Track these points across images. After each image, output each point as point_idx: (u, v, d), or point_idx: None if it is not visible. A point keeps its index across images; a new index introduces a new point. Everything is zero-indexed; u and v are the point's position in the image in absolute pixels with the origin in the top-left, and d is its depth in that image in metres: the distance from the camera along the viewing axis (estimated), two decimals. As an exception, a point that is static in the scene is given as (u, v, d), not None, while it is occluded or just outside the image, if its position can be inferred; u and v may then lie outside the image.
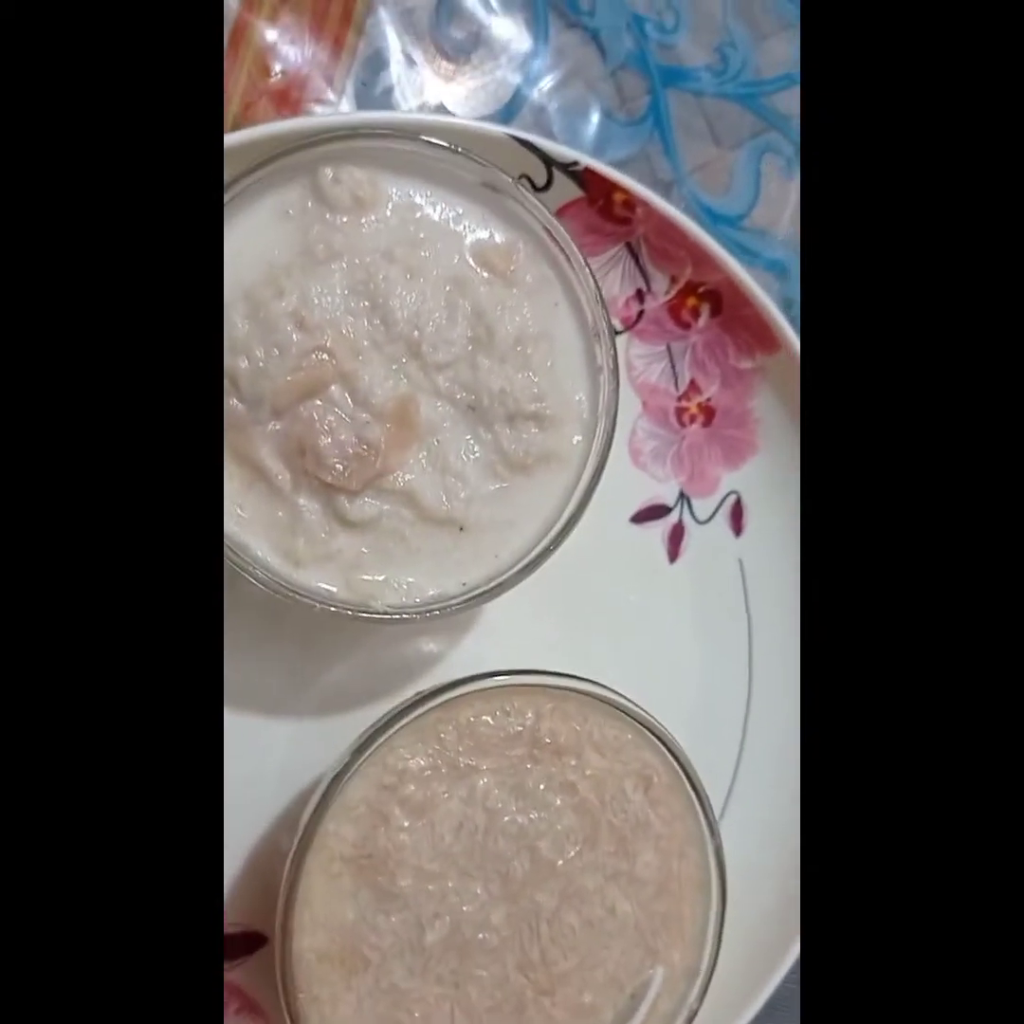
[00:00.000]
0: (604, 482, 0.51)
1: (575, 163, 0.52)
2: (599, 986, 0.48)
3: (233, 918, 0.52)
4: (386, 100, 0.55)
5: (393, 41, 0.54)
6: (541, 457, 0.48)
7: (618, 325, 0.57)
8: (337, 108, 0.54)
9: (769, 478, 0.59)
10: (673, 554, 0.59)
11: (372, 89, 0.55)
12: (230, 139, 0.48)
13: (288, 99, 0.53)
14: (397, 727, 0.45)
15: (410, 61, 0.55)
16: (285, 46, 0.54)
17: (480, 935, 0.46)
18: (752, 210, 0.62)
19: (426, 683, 0.54)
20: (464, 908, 0.46)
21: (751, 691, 0.58)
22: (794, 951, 0.54)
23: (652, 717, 0.48)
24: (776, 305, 0.56)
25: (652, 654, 0.58)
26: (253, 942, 0.52)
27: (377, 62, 0.55)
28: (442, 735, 0.46)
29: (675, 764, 0.49)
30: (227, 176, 0.43)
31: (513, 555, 0.48)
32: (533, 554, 0.47)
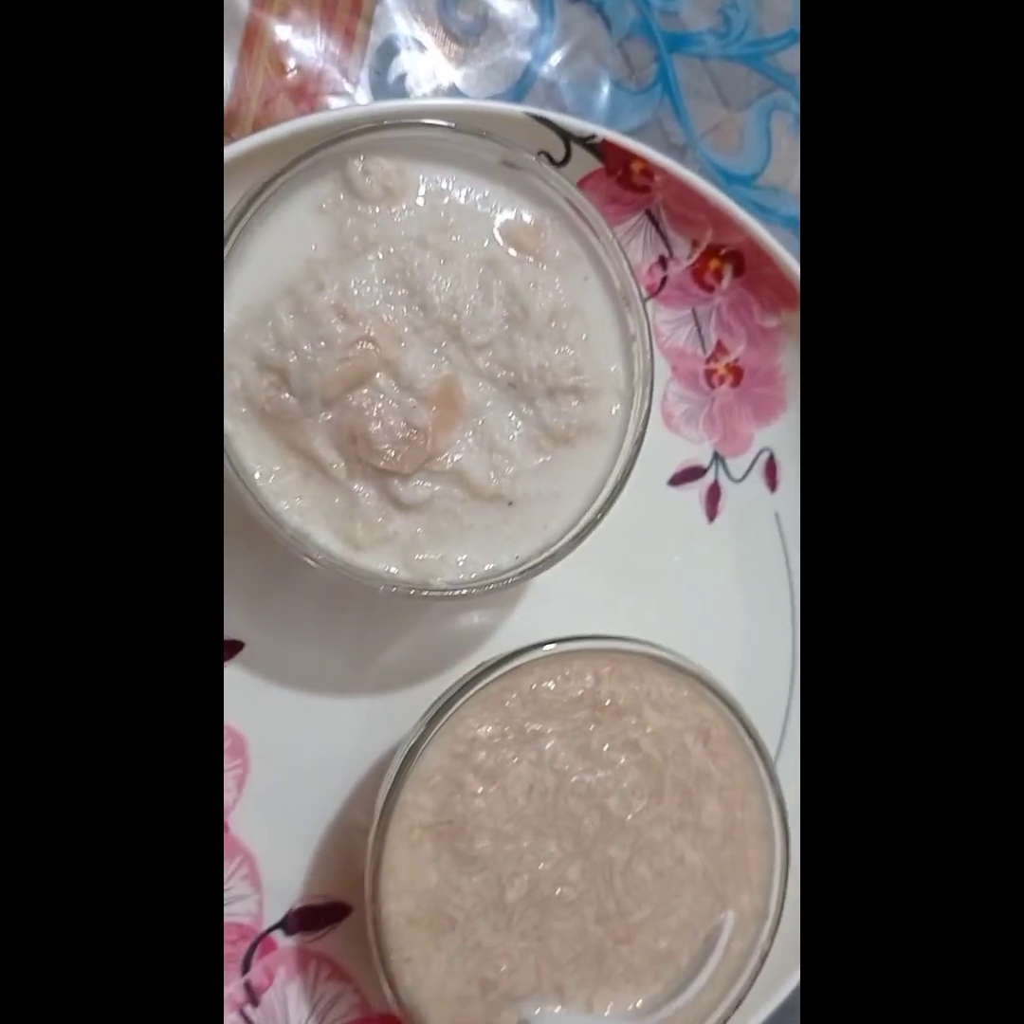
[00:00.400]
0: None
1: (592, 136, 0.53)
2: (674, 932, 0.50)
3: (317, 890, 0.54)
4: (400, 87, 0.56)
5: (402, 28, 0.55)
6: (582, 429, 0.49)
7: (643, 293, 0.58)
8: (353, 99, 0.55)
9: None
10: (711, 514, 0.60)
11: (385, 77, 0.55)
12: (255, 139, 0.49)
13: (305, 93, 0.54)
14: (465, 698, 0.47)
15: (420, 46, 0.56)
16: (298, 41, 0.54)
17: (558, 890, 0.48)
18: (765, 168, 0.62)
19: (482, 656, 0.56)
20: (541, 866, 0.48)
21: (796, 642, 0.60)
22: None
23: (706, 672, 0.50)
24: (796, 261, 0.57)
25: (698, 612, 0.59)
26: (339, 912, 0.54)
27: (388, 50, 0.56)
28: (507, 703, 0.48)
29: (731, 716, 0.51)
30: (260, 175, 0.44)
31: (561, 526, 0.49)
32: (581, 524, 0.49)
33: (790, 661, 0.60)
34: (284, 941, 0.53)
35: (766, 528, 0.61)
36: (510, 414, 0.48)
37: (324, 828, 0.55)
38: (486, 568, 0.48)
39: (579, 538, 0.48)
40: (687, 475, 0.60)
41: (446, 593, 0.47)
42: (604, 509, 0.49)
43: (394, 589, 0.46)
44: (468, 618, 0.57)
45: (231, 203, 0.44)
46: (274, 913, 0.53)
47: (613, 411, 0.50)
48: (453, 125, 0.46)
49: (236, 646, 0.54)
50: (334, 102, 0.55)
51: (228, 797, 0.53)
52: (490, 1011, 0.48)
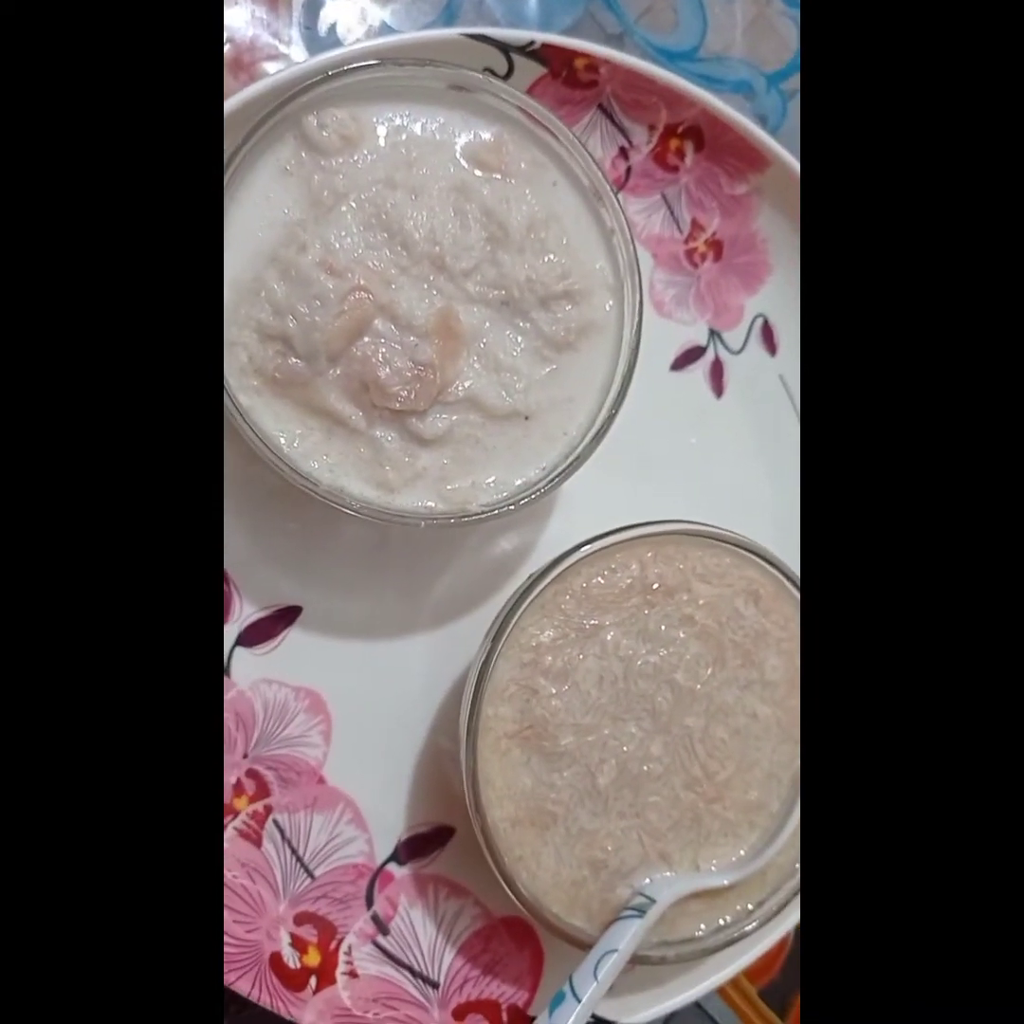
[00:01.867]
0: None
1: (531, 42, 0.53)
2: (760, 782, 0.53)
3: (420, 819, 0.57)
4: (333, 37, 0.56)
5: (323, -23, 0.55)
6: (581, 330, 0.50)
7: (612, 186, 0.58)
8: (290, 59, 0.55)
9: (790, 291, 0.61)
10: (718, 390, 0.62)
11: (316, 31, 0.55)
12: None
13: (242, 64, 0.54)
14: (522, 609, 0.49)
15: (344, -9, 0.56)
16: (227, 13, 0.54)
17: (645, 767, 0.51)
18: (704, 40, 0.62)
19: (527, 571, 0.58)
20: (624, 748, 0.50)
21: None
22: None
23: (744, 537, 0.52)
24: (754, 123, 0.57)
25: (724, 487, 0.61)
26: (444, 834, 0.57)
27: (314, 3, 0.55)
28: (562, 605, 0.50)
29: (775, 572, 0.53)
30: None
31: (580, 429, 0.51)
32: (599, 422, 0.50)
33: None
34: (400, 871, 0.57)
35: (773, 392, 0.62)
36: (508, 331, 0.50)
37: (413, 760, 0.57)
38: (516, 484, 0.50)
39: (599, 436, 0.50)
40: (687, 357, 0.61)
41: (484, 515, 0.49)
42: (617, 403, 0.50)
43: (435, 521, 0.48)
44: (507, 538, 0.59)
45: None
46: (384, 848, 0.57)
47: (607, 307, 0.51)
48: (397, 61, 0.47)
49: (294, 611, 0.56)
50: (271, 67, 0.55)
51: (317, 752, 0.56)
52: (605, 888, 0.51)
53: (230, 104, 0.48)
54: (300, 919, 0.54)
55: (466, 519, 0.48)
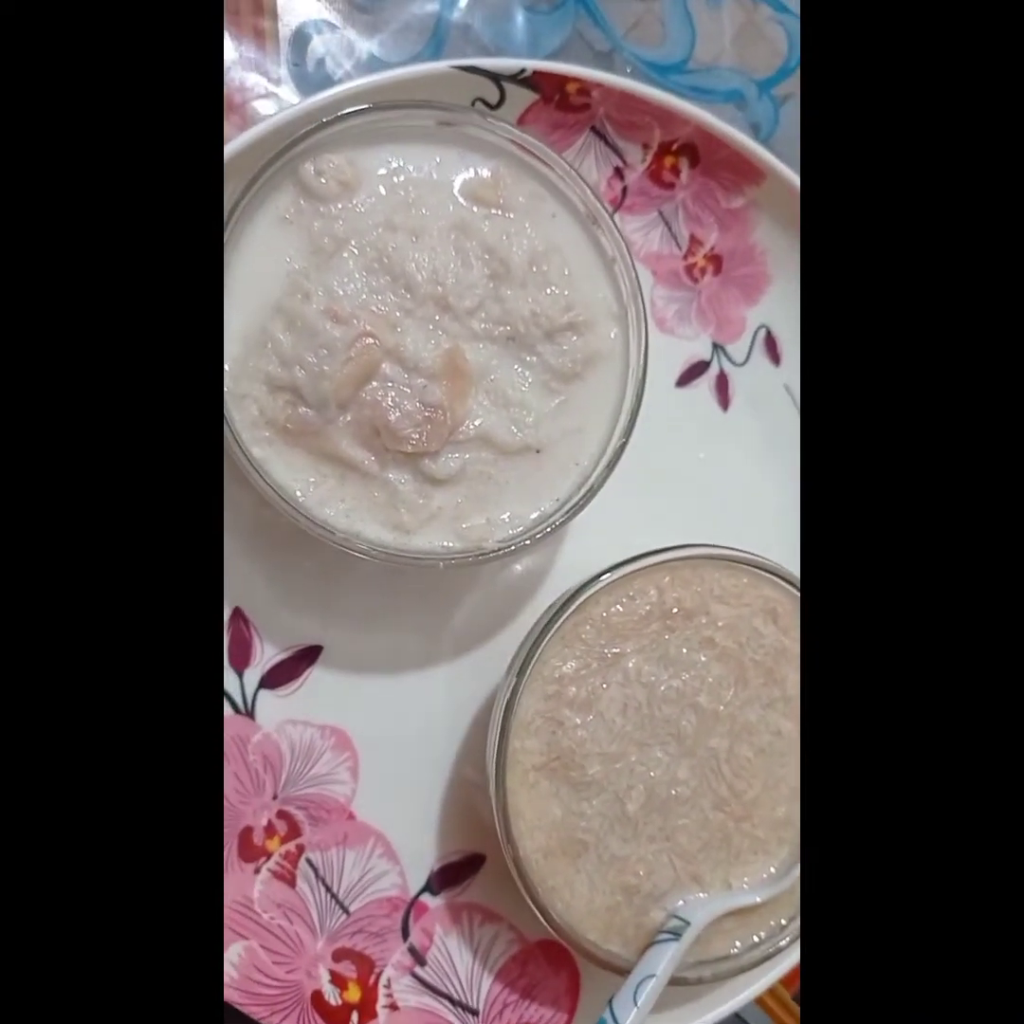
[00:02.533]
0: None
1: (521, 70, 0.53)
2: (787, 798, 0.53)
3: (451, 848, 0.57)
4: (321, 72, 0.56)
5: (308, 13, 0.54)
6: (587, 361, 0.50)
7: (608, 209, 0.58)
8: (279, 97, 0.55)
9: (791, 301, 0.61)
10: (724, 403, 0.62)
11: (305, 67, 0.55)
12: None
13: (233, 105, 0.54)
14: (544, 642, 0.49)
15: (330, 27, 0.55)
16: (209, 53, 0.54)
17: (672, 791, 0.51)
18: (693, 50, 0.62)
19: (543, 598, 0.58)
20: (652, 773, 0.51)
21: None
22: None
23: (759, 557, 0.52)
24: (746, 134, 0.57)
25: (735, 501, 0.61)
26: (475, 862, 0.58)
27: (301, 39, 0.55)
28: (583, 635, 0.50)
29: (792, 590, 0.53)
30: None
31: (592, 458, 0.51)
32: (610, 451, 0.50)
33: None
34: (434, 901, 0.57)
35: (779, 402, 0.62)
36: (516, 366, 0.50)
37: (440, 791, 0.58)
38: (531, 517, 0.50)
39: (611, 465, 0.50)
40: (692, 372, 0.61)
41: (501, 552, 0.49)
42: (628, 431, 0.50)
43: (453, 561, 0.48)
44: (522, 564, 0.59)
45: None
46: (417, 879, 0.57)
47: (612, 335, 0.51)
48: (391, 104, 0.47)
49: (316, 650, 0.56)
50: (262, 106, 0.55)
51: (346, 788, 0.56)
52: (639, 913, 0.51)
53: (226, 151, 0.48)
54: (338, 955, 0.55)
55: (483, 557, 0.49)
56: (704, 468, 0.61)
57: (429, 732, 0.57)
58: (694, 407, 0.61)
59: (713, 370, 0.61)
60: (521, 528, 0.50)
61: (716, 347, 0.61)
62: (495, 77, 0.53)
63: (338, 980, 0.54)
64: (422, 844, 0.57)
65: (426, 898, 0.57)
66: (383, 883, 0.56)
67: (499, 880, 0.57)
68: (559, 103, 0.55)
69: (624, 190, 0.59)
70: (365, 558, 0.47)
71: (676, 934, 0.50)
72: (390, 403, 0.47)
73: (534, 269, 0.49)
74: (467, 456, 0.49)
